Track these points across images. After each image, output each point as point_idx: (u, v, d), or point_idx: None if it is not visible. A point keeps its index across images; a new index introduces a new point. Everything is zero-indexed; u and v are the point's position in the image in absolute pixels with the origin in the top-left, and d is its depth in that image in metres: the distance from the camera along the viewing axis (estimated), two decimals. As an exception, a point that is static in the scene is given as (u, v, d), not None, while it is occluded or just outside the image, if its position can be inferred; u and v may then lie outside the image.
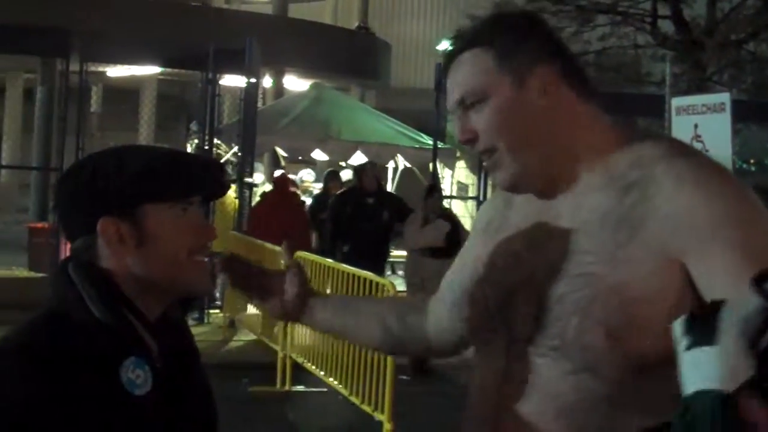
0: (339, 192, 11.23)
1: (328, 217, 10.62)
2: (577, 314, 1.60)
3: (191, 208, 1.71)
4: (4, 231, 19.83)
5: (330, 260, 7.99)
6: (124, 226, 1.66)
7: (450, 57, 1.78)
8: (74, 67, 11.26)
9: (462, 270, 1.94)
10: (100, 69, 22.34)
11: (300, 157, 15.80)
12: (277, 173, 12.22)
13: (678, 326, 1.22)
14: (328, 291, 7.97)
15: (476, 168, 13.07)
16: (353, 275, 7.28)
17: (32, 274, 11.41)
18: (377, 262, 9.89)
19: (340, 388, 7.25)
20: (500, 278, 1.76)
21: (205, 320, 11.09)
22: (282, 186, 11.40)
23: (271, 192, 11.71)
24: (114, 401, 1.60)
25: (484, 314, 1.78)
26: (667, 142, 1.71)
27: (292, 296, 2.06)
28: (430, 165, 12.97)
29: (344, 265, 7.61)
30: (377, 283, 6.89)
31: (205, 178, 1.76)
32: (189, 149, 14.33)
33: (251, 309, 10.27)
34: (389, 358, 6.33)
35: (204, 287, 1.76)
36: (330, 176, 12.61)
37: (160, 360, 1.70)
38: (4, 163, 25.90)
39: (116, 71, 24.57)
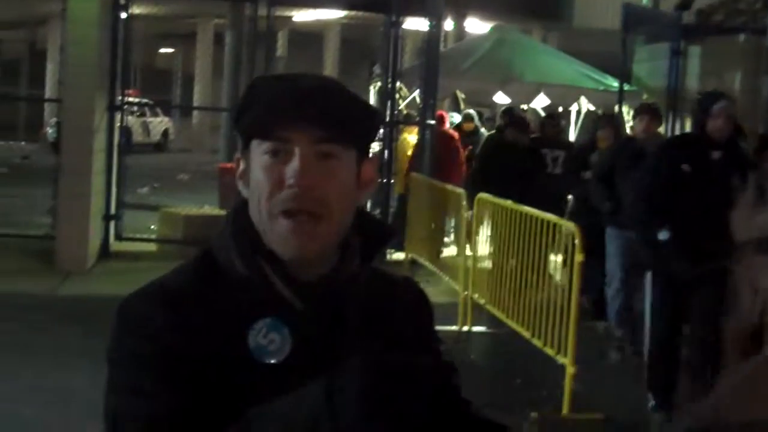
0: (666, 141, 7.55)
1: (638, 183, 6.22)
2: None
3: (289, 150, 1.43)
4: (197, 171, 20.69)
5: (509, 201, 7.94)
6: (243, 162, 1.51)
7: None
8: (262, 11, 11.55)
9: None
10: (287, 14, 22.86)
11: (479, 101, 15.72)
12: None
13: None
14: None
15: (663, 111, 12.67)
16: (534, 218, 7.22)
17: (222, 212, 11.86)
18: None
19: (521, 329, 7.26)
20: None
21: (386, 261, 11.30)
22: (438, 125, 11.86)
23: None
24: (237, 367, 1.42)
25: None
26: None
27: None
28: (615, 108, 12.68)
29: (525, 207, 7.54)
30: (560, 227, 6.82)
31: (279, 114, 1.44)
32: (372, 92, 14.51)
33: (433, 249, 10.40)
34: (573, 300, 6.28)
35: (284, 250, 1.46)
36: (604, 121, 9.45)
37: (309, 324, 1.47)
38: (195, 105, 26.90)
39: (301, 16, 25.07)
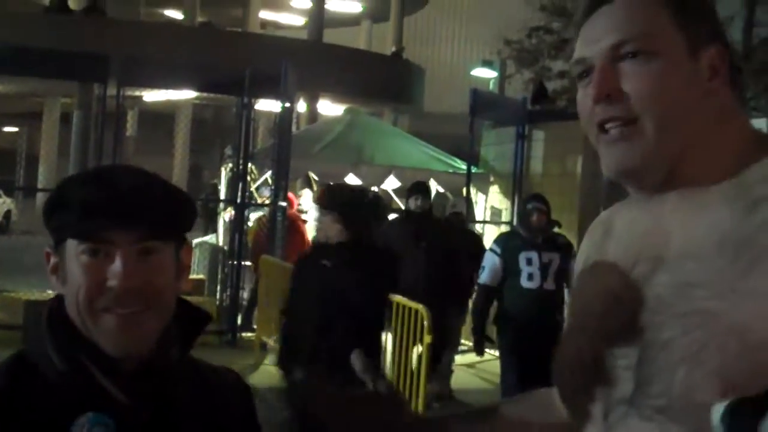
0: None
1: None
2: (685, 363, 1.28)
3: (109, 249, 1.43)
4: (39, 254, 19.95)
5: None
6: (56, 258, 1.50)
7: None
8: (111, 91, 11.38)
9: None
10: (137, 93, 22.61)
11: (331, 182, 15.84)
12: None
13: (716, 413, 1.07)
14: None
15: (510, 193, 13.03)
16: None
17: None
18: None
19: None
20: (597, 326, 1.43)
21: (237, 343, 11.12)
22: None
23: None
24: None
25: (578, 374, 1.45)
26: None
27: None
28: (464, 190, 12.94)
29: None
30: (410, 309, 6.85)
31: (98, 215, 1.43)
32: (223, 173, 14.42)
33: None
34: (422, 383, 6.29)
35: (111, 347, 1.44)
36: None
37: (135, 415, 1.46)
38: (40, 186, 26.17)
39: (152, 96, 24.83)
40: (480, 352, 7.12)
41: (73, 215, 1.44)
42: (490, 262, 6.99)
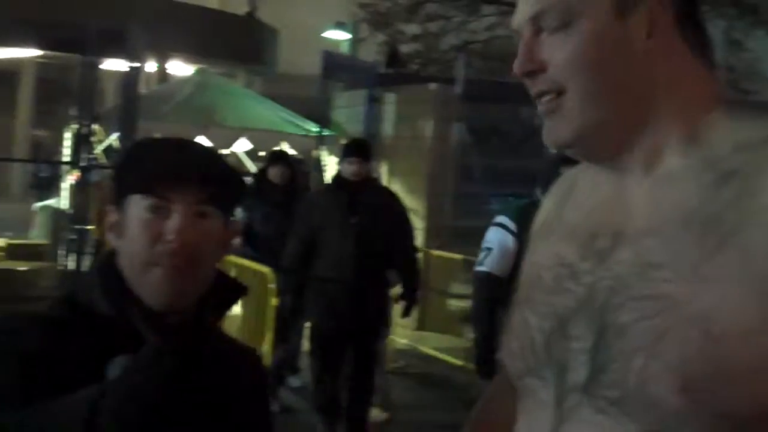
0: None
1: None
2: (642, 353, 1.16)
3: (169, 207, 1.56)
4: None
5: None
6: (116, 215, 1.64)
7: None
8: (-55, 47, 10.83)
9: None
10: (-25, 50, 21.62)
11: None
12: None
13: None
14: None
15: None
16: (232, 264, 7.17)
17: None
18: None
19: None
20: (549, 300, 1.31)
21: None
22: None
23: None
24: None
25: (528, 352, 1.32)
26: None
27: None
28: (313, 152, 12.91)
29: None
30: (256, 272, 6.78)
31: (164, 174, 1.58)
32: (68, 134, 13.97)
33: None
34: (268, 347, 6.23)
35: (155, 299, 1.58)
36: None
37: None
38: None
39: (-8, 53, 23.81)
40: (488, 374, 4.79)
41: (143, 172, 1.58)
42: (501, 242, 4.91)
